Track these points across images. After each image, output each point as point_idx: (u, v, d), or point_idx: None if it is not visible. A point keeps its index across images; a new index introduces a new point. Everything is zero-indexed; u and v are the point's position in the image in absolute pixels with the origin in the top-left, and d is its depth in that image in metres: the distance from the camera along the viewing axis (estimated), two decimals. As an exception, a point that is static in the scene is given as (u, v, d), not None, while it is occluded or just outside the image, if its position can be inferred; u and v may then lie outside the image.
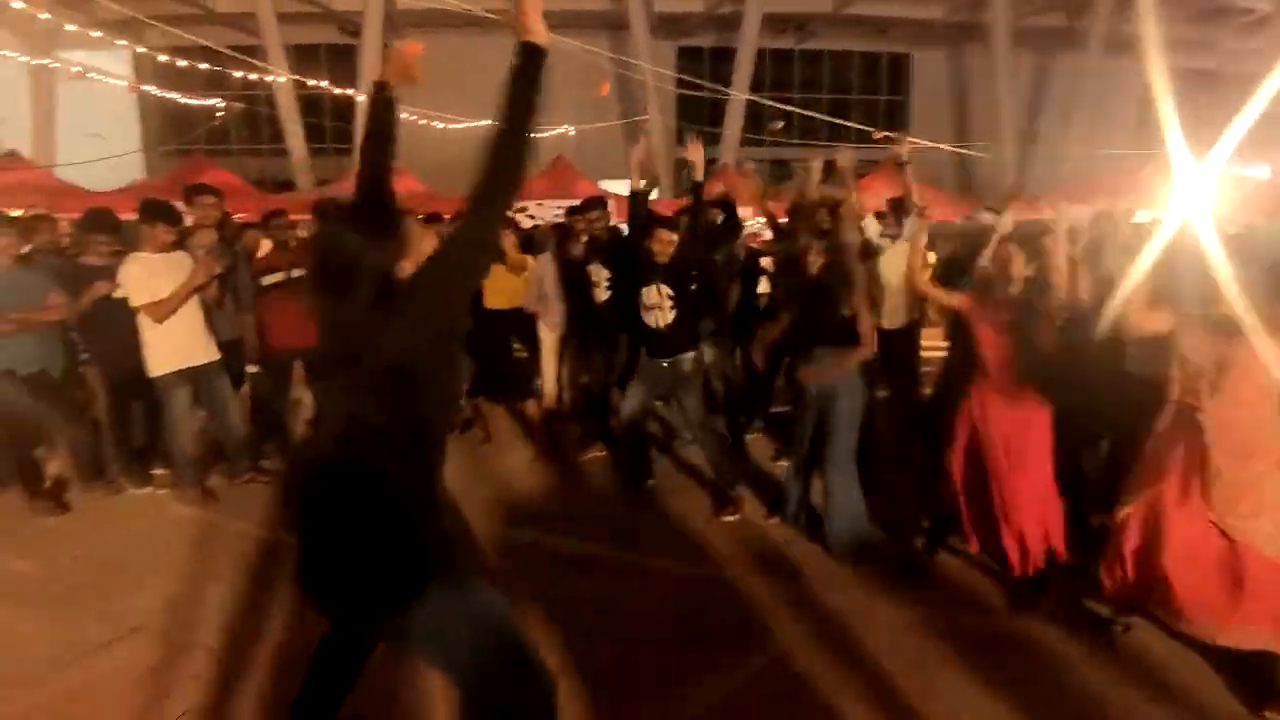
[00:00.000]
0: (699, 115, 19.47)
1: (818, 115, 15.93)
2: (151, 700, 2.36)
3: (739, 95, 17.49)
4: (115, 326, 3.85)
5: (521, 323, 5.05)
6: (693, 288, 3.96)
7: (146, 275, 3.70)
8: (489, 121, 1.52)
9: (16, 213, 5.70)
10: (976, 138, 19.92)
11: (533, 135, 1.47)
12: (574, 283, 4.84)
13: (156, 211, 3.82)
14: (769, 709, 2.31)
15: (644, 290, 3.94)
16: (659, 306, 3.91)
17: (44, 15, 11.12)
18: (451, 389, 1.68)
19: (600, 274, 4.67)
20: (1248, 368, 2.25)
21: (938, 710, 2.30)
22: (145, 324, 3.74)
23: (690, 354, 3.94)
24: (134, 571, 3.26)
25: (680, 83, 18.21)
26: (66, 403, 3.98)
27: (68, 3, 15.33)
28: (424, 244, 1.63)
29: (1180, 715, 2.29)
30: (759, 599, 3.01)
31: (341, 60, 18.77)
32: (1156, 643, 2.61)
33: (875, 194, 11.87)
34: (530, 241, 5.89)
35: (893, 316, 4.47)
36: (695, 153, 3.91)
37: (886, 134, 10.47)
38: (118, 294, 3.76)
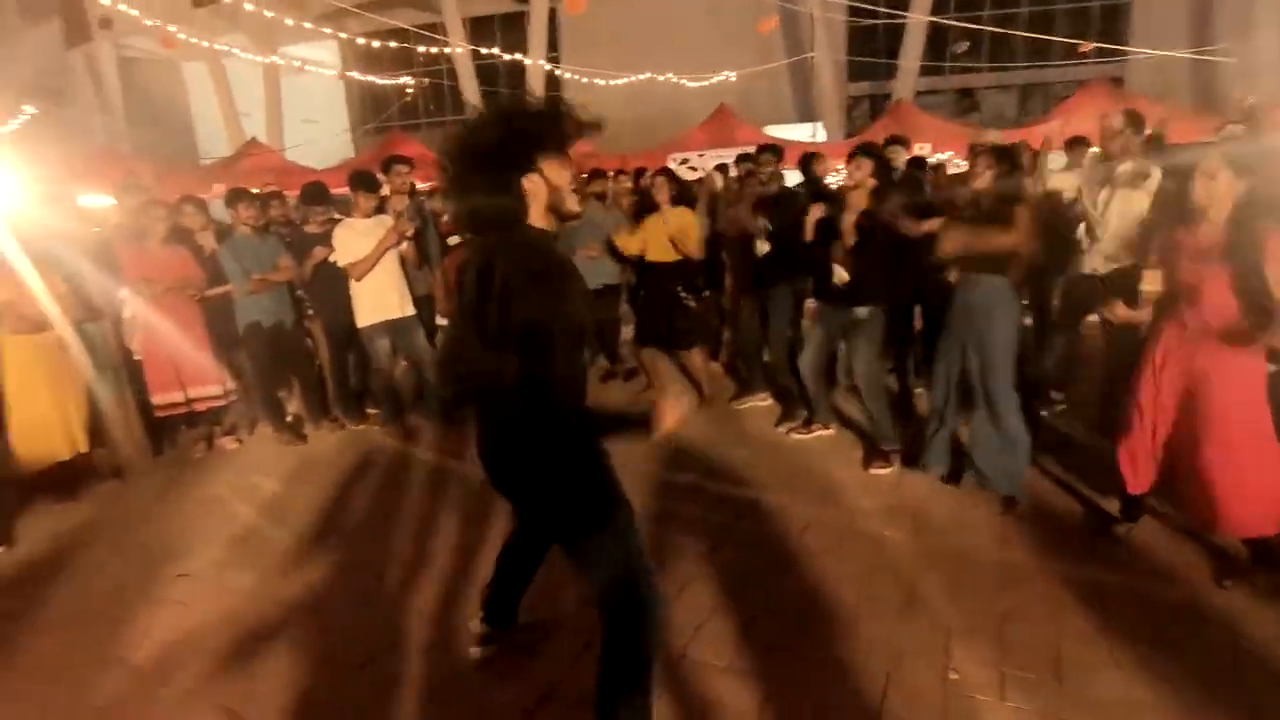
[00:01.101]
0: (872, 46, 18.07)
1: (1013, 32, 14.07)
2: (371, 585, 2.78)
3: (918, 18, 15.83)
4: (332, 285, 4.45)
5: (687, 274, 5.08)
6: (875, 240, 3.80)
7: (352, 238, 4.21)
8: (649, 76, 1.59)
9: (255, 190, 6.64)
10: (1220, 39, 16.59)
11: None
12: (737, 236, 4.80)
13: (359, 182, 4.31)
14: (918, 662, 2.24)
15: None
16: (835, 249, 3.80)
17: (269, 14, 12.74)
18: (575, 358, 1.76)
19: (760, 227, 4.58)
20: None
21: (1098, 684, 2.10)
22: (352, 281, 4.27)
23: (867, 308, 3.78)
24: (350, 491, 3.81)
25: (851, 11, 16.92)
26: (298, 351, 4.68)
27: (284, 1, 17.35)
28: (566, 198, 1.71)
29: None
30: (916, 561, 2.89)
31: (513, 28, 19.60)
32: None
33: (1083, 116, 10.45)
34: (686, 193, 5.91)
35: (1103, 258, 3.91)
36: None
37: (1097, 44, 9.04)
38: (333, 257, 4.32)
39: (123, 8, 10.87)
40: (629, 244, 4.97)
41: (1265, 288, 2.29)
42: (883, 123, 11.68)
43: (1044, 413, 4.18)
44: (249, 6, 11.11)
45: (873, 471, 3.73)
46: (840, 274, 3.74)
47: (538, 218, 1.68)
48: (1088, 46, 10.60)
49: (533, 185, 1.63)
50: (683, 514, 3.34)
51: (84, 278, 3.95)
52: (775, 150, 4.81)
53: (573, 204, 1.73)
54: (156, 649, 2.56)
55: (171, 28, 12.17)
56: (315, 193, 4.66)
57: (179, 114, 22.69)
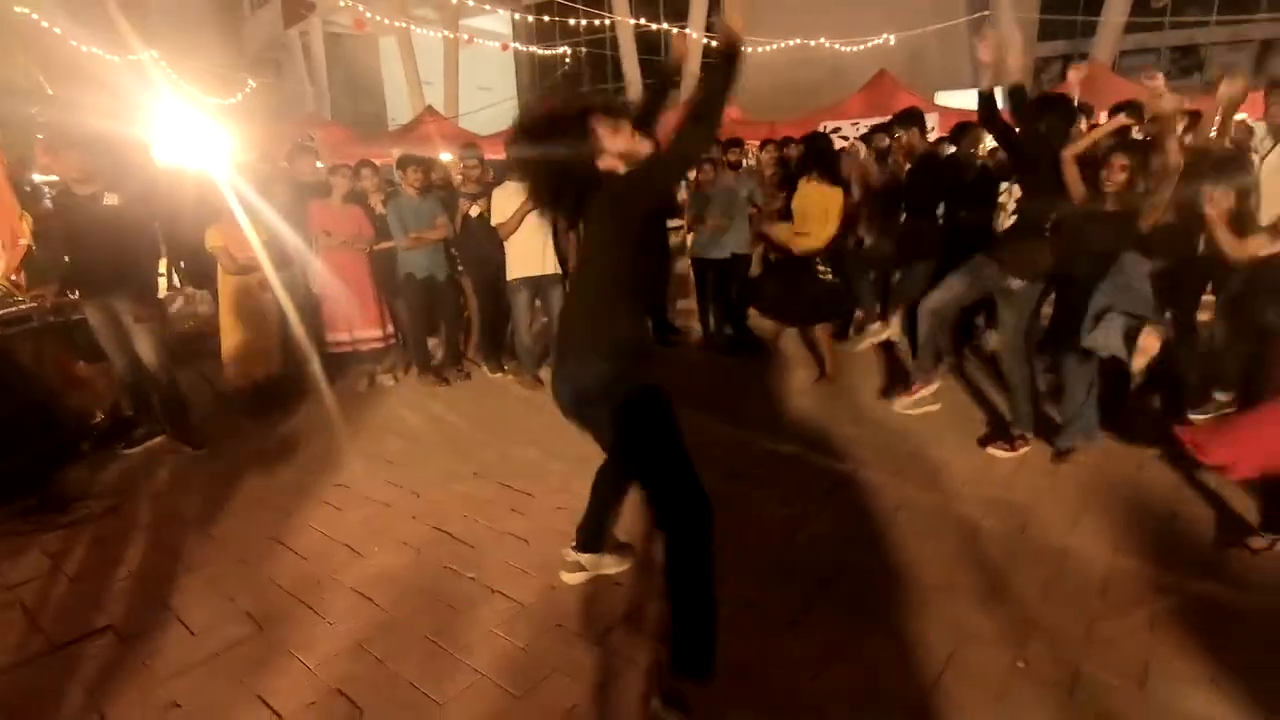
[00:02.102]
0: (1068, 3, 16.22)
1: None
2: (476, 509, 3.15)
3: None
4: (480, 244, 4.90)
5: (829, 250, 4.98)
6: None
7: (504, 199, 4.60)
8: (792, 42, 1.82)
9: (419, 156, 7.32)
10: None
11: (720, 116, 1.86)
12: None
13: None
14: (987, 648, 2.21)
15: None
16: (1004, 206, 3.68)
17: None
18: (658, 261, 2.07)
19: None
20: None
21: (1181, 698, 1.96)
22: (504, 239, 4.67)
23: (1019, 280, 3.60)
24: (482, 432, 4.25)
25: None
26: (448, 303, 5.20)
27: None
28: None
29: None
30: (1014, 553, 2.79)
31: (676, -2, 19.61)
32: None
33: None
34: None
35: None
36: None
37: None
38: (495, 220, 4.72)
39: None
40: (782, 235, 4.87)
41: None
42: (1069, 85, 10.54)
43: (1196, 415, 3.79)
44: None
45: (990, 451, 3.60)
46: None
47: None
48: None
49: (606, 163, 1.95)
50: (780, 480, 3.43)
51: (281, 229, 4.65)
52: (912, 117, 4.60)
53: (642, 149, 2.00)
54: (311, 537, 3.09)
55: (360, 7, 13.40)
56: (468, 146, 5.15)
57: (373, 84, 25.05)
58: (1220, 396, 3.94)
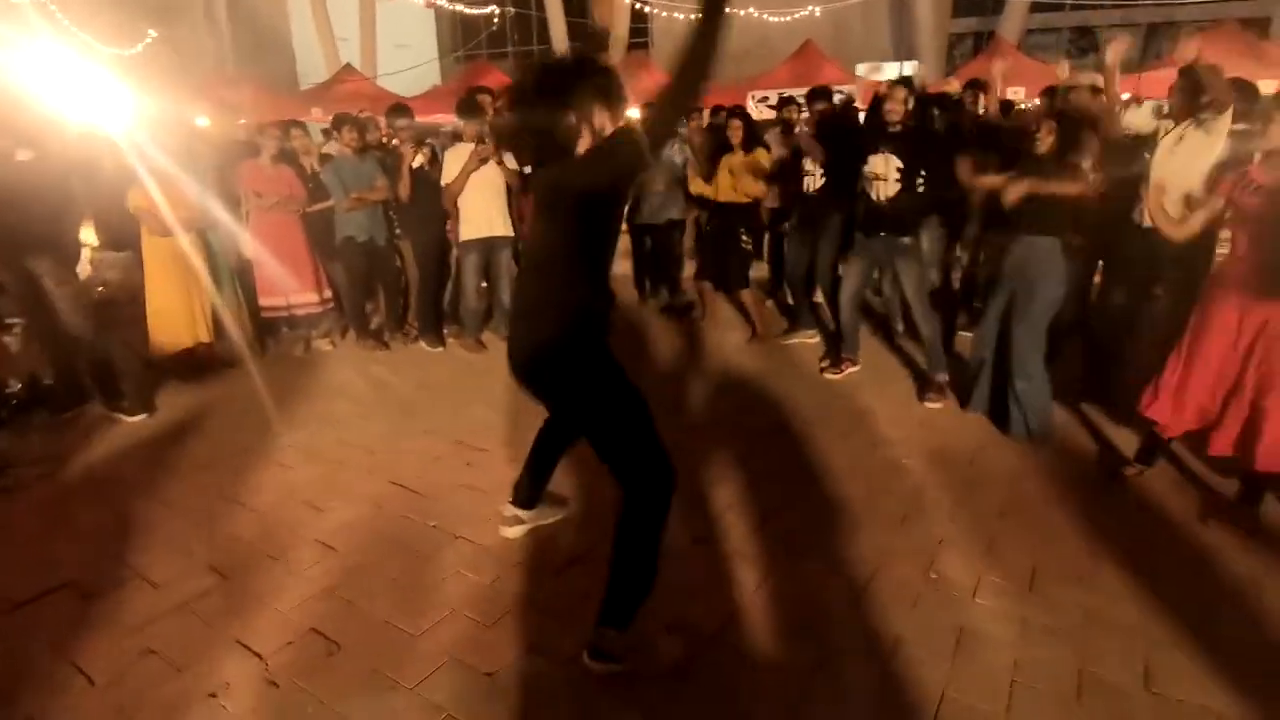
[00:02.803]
0: (980, -20, 16.94)
1: None
2: (429, 464, 3.26)
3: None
4: (421, 208, 4.87)
5: (751, 213, 5.25)
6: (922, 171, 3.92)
7: (455, 161, 4.61)
8: (747, 11, 1.77)
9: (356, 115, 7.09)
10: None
11: (708, 76, 1.72)
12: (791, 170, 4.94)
13: (463, 108, 4.68)
14: (905, 563, 2.52)
15: (871, 159, 3.96)
16: (883, 178, 3.91)
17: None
18: (615, 232, 2.05)
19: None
20: None
21: (1064, 594, 2.33)
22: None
23: (908, 237, 3.94)
24: (428, 393, 4.31)
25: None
26: (387, 267, 5.16)
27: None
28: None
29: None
30: (928, 485, 3.13)
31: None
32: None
33: (1214, 57, 9.65)
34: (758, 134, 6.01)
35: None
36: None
37: None
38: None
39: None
40: (698, 185, 5.18)
41: None
42: (977, 63, 11.14)
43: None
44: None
45: (928, 405, 3.92)
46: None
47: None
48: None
49: (577, 124, 1.90)
50: (719, 433, 3.67)
51: (203, 190, 4.50)
52: (823, 94, 4.87)
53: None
54: (267, 496, 3.13)
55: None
56: (398, 108, 5.07)
57: (281, 39, 23.56)
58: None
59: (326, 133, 6.39)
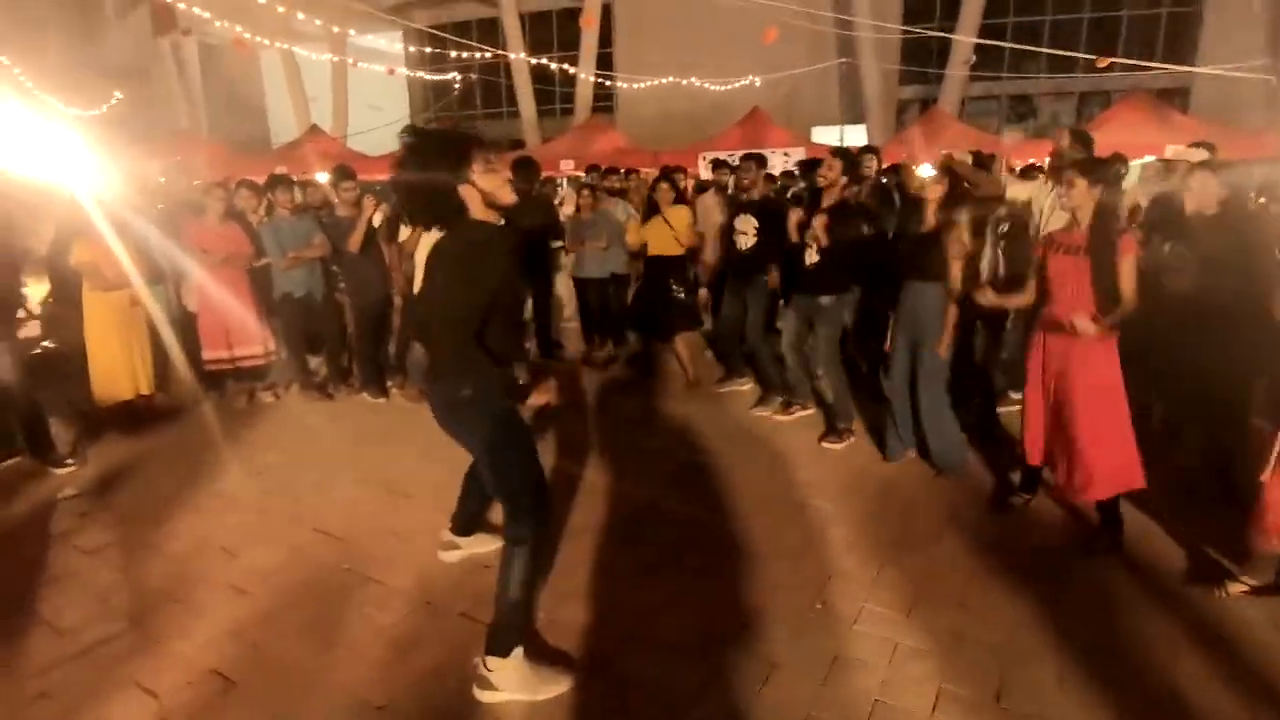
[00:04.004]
0: (925, 52, 18.02)
1: (1016, 46, 13.94)
2: (353, 511, 3.33)
3: (960, 38, 15.73)
4: (359, 264, 5.04)
5: (679, 267, 5.52)
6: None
7: None
8: (665, 80, 2.05)
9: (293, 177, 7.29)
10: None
11: None
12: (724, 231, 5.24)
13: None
14: (792, 595, 2.65)
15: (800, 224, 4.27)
16: (808, 244, 4.19)
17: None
18: (516, 292, 2.27)
19: (748, 224, 4.96)
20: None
21: (938, 619, 2.48)
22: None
23: (830, 297, 4.18)
24: (363, 442, 4.40)
25: (905, 17, 16.98)
26: (327, 321, 5.28)
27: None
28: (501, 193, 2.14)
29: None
30: (832, 520, 3.28)
31: (570, 21, 20.15)
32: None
33: (1119, 127, 10.42)
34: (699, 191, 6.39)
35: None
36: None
37: (1112, 60, 9.13)
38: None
39: (197, 10, 11.79)
40: (632, 238, 5.46)
41: (1116, 280, 2.72)
42: (913, 129, 11.82)
43: (1000, 410, 4.49)
44: None
45: (824, 445, 4.13)
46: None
47: (479, 212, 2.12)
48: (1104, 61, 10.58)
49: (467, 191, 2.08)
50: (646, 471, 3.81)
51: (151, 245, 4.63)
52: (758, 159, 5.19)
53: (506, 197, 2.16)
54: (184, 543, 3.18)
55: (239, 28, 13.03)
56: (343, 170, 5.27)
57: (254, 99, 24.06)
58: (1015, 395, 4.66)
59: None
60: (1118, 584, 2.69)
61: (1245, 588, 2.55)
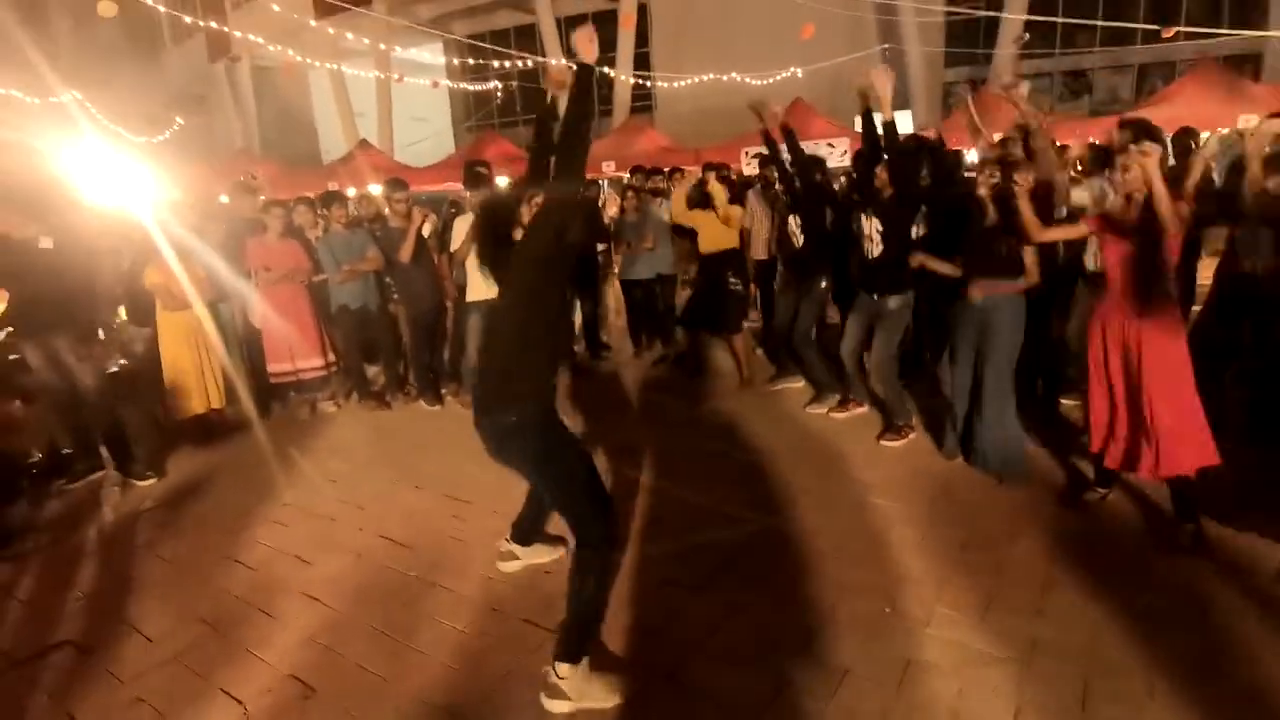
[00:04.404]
0: (972, 35, 17.49)
1: (1070, 20, 13.27)
2: (416, 518, 3.40)
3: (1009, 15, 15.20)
4: (414, 275, 5.16)
5: (735, 262, 5.46)
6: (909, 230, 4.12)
7: (463, 228, 4.85)
8: (705, 77, 2.22)
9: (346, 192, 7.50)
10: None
11: (586, 137, 2.20)
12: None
13: (468, 180, 5.03)
14: (862, 598, 2.59)
15: (860, 216, 4.16)
16: (869, 238, 4.09)
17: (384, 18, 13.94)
18: (558, 293, 2.34)
19: (795, 222, 4.89)
20: None
21: (1013, 625, 2.39)
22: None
23: (897, 296, 4.07)
24: (423, 449, 4.49)
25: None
26: (382, 331, 5.41)
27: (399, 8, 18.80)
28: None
29: None
30: (895, 521, 3.20)
31: (607, 23, 20.23)
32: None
33: (1189, 101, 9.89)
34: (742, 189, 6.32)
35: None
36: (878, 80, 3.77)
37: (1177, 29, 8.65)
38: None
39: (252, 37, 12.22)
40: (683, 218, 5.42)
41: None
42: (962, 112, 11.45)
43: (1064, 400, 4.32)
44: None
45: (883, 443, 4.04)
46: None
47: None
48: (1170, 31, 10.03)
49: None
50: (703, 474, 3.79)
51: (216, 265, 4.83)
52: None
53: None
54: (260, 552, 3.30)
55: (290, 51, 13.46)
56: (396, 182, 5.39)
57: (305, 117, 24.86)
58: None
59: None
60: (1204, 583, 2.55)
61: None
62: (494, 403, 2.26)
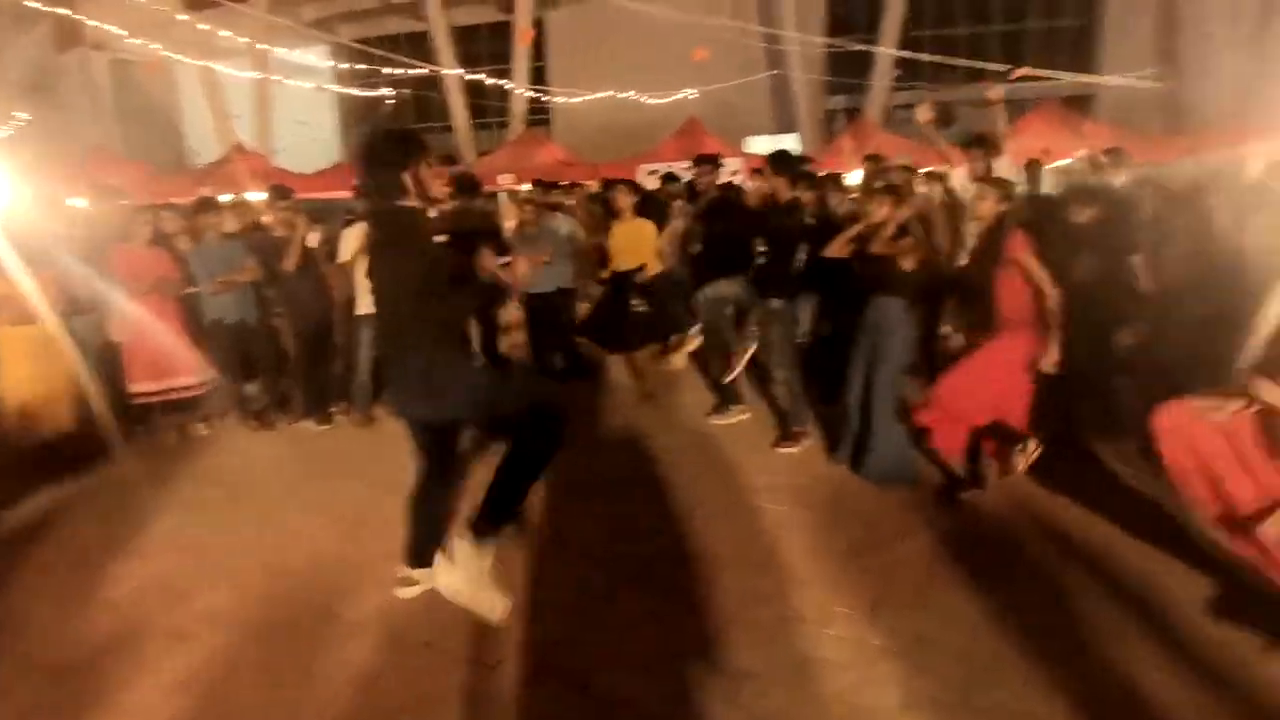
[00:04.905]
0: (851, 64, 18.67)
1: (924, 56, 14.71)
2: (302, 543, 3.21)
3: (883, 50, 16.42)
4: (298, 287, 4.88)
5: (637, 280, 5.51)
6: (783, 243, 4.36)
7: (352, 240, 4.63)
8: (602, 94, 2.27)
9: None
10: (1187, 66, 17.21)
11: None
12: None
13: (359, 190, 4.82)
14: (762, 604, 2.69)
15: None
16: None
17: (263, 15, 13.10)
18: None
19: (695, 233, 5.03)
20: None
21: (902, 620, 2.56)
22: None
23: (778, 300, 4.28)
24: (308, 471, 4.24)
25: (830, 29, 17.60)
26: (262, 347, 5.08)
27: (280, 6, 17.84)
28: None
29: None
30: (792, 527, 3.34)
31: (500, 36, 20.03)
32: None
33: (1034, 135, 11.02)
34: (648, 201, 6.38)
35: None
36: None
37: (1025, 71, 9.75)
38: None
39: (110, 27, 11.25)
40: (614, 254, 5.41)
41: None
42: (843, 139, 12.20)
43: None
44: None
45: (779, 450, 4.19)
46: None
47: (411, 200, 2.42)
48: (1019, 72, 11.24)
49: (408, 179, 2.39)
50: (604, 488, 3.80)
51: (72, 275, 4.37)
52: (710, 160, 5.30)
53: (438, 191, 2.54)
54: (123, 589, 3.00)
55: (155, 46, 12.50)
56: (278, 189, 5.12)
57: (170, 116, 23.01)
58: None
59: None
60: (1068, 574, 2.82)
61: None
62: (420, 400, 2.41)
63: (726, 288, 4.64)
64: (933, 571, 2.87)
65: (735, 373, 4.71)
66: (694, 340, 5.45)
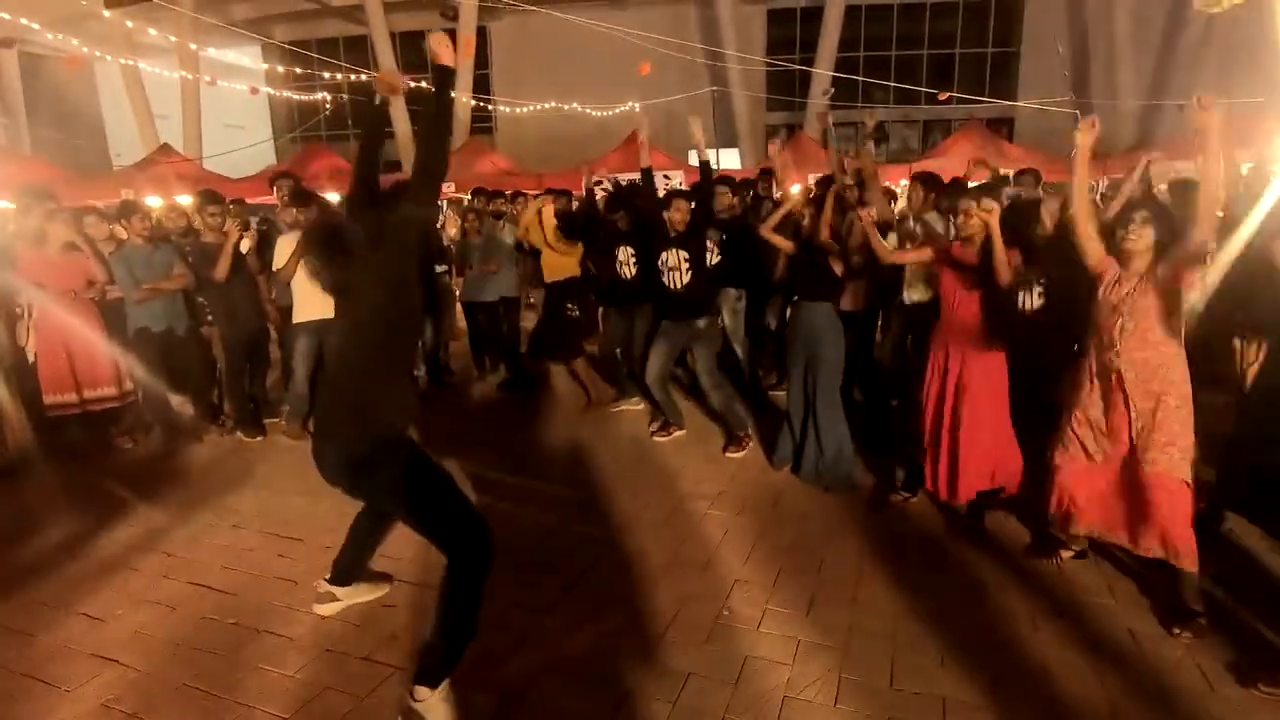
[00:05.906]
0: (788, 84, 19.21)
1: (868, 79, 15.40)
2: (235, 560, 3.12)
3: (819, 71, 17.04)
4: (230, 295, 4.71)
5: (576, 290, 5.54)
6: (714, 256, 4.45)
7: (286, 247, 4.49)
8: (549, 105, 2.23)
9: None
10: (1098, 92, 18.41)
11: (448, 137, 2.18)
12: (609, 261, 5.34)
13: (295, 197, 4.73)
14: (700, 605, 2.76)
15: (664, 254, 4.40)
16: (677, 269, 4.36)
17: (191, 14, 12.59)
18: (414, 314, 2.35)
19: (627, 254, 5.05)
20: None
21: (836, 616, 2.67)
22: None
23: (703, 318, 4.37)
24: (240, 485, 4.10)
25: (768, 49, 18.12)
26: (191, 357, 4.87)
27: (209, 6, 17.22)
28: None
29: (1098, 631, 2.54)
30: (730, 531, 3.43)
31: (443, 45, 19.78)
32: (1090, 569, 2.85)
33: (960, 156, 11.59)
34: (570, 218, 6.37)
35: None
36: (695, 127, 4.60)
37: (950, 94, 10.32)
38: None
39: (25, 21, 10.69)
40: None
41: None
42: (783, 154, 12.53)
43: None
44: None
45: (729, 455, 4.29)
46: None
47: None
48: (944, 95, 11.86)
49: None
50: (549, 497, 3.82)
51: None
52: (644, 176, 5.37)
53: None
54: (39, 614, 2.85)
55: (75, 41, 11.92)
56: (209, 193, 4.96)
57: (89, 115, 21.88)
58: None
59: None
60: (981, 568, 2.98)
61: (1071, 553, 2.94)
62: (340, 430, 2.16)
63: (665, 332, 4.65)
64: (861, 569, 2.99)
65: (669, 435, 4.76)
66: (636, 403, 5.49)
